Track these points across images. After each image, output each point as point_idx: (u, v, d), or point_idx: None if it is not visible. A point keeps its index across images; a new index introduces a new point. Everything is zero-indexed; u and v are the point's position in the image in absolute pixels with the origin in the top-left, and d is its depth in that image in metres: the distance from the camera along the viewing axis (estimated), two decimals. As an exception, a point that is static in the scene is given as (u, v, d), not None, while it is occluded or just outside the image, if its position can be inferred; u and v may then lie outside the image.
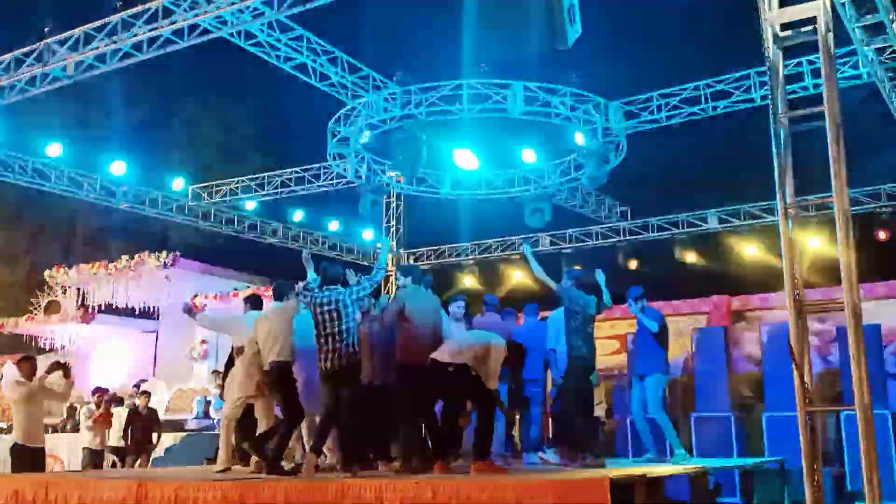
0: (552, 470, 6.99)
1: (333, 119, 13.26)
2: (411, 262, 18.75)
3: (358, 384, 6.81)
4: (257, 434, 7.21)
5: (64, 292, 18.11)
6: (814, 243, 14.19)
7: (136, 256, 17.00)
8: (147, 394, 12.76)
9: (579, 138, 12.43)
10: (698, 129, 13.67)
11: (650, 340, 8.61)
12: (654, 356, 8.57)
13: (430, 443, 6.95)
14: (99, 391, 12.80)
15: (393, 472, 6.62)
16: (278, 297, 7.27)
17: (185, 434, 13.52)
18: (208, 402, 14.55)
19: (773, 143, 5.54)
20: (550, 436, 8.66)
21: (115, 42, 10.06)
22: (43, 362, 9.38)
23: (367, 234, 19.42)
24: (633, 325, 13.95)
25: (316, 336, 6.75)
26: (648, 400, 8.53)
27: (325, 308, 6.67)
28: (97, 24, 10.17)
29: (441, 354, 6.55)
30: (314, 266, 7.13)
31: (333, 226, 18.82)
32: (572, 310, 7.53)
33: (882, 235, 14.20)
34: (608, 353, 14.33)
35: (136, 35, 9.92)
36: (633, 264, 16.73)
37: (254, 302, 7.93)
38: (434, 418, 6.87)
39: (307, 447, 7.25)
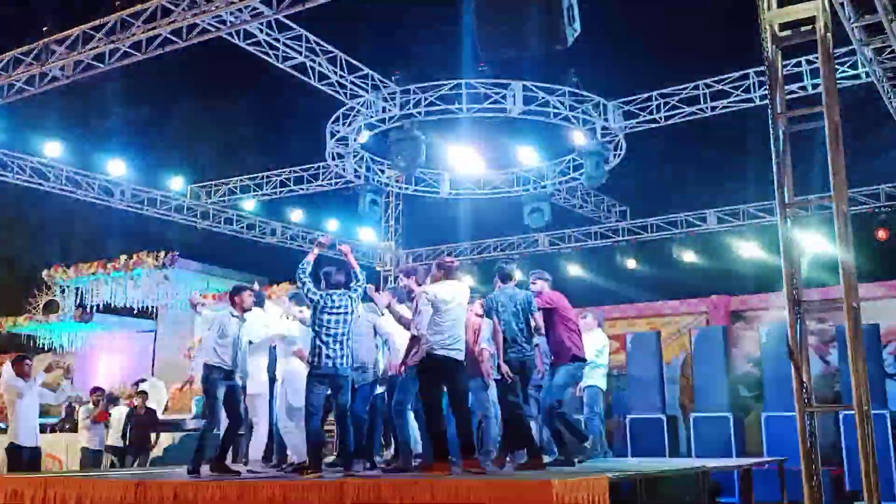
0: (552, 470, 6.98)
1: (332, 119, 13.24)
2: (410, 262, 18.73)
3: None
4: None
5: (62, 291, 18.06)
6: (813, 243, 14.16)
7: (135, 256, 16.95)
8: (145, 393, 12.74)
9: (578, 138, 12.44)
10: (697, 128, 13.65)
11: None
12: None
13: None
14: (97, 391, 12.78)
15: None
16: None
17: (183, 434, 13.49)
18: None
19: (772, 142, 5.53)
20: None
21: (113, 42, 10.03)
22: (40, 362, 9.38)
23: (366, 234, 19.39)
24: (632, 324, 13.95)
25: (316, 335, 6.76)
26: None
27: (336, 310, 6.74)
28: (95, 23, 10.13)
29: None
30: (314, 268, 7.14)
31: (332, 225, 18.77)
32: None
33: (882, 235, 14.15)
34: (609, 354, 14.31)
35: (134, 35, 9.89)
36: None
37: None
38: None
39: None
